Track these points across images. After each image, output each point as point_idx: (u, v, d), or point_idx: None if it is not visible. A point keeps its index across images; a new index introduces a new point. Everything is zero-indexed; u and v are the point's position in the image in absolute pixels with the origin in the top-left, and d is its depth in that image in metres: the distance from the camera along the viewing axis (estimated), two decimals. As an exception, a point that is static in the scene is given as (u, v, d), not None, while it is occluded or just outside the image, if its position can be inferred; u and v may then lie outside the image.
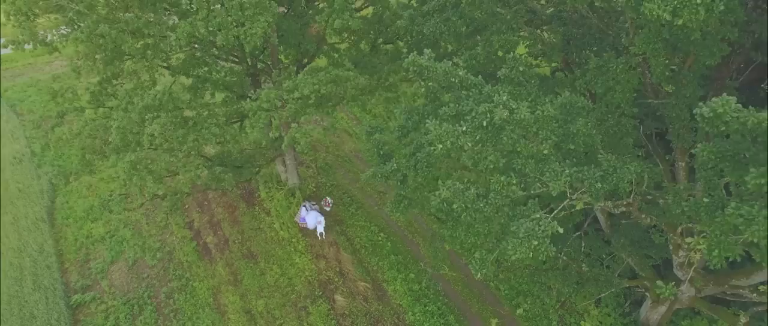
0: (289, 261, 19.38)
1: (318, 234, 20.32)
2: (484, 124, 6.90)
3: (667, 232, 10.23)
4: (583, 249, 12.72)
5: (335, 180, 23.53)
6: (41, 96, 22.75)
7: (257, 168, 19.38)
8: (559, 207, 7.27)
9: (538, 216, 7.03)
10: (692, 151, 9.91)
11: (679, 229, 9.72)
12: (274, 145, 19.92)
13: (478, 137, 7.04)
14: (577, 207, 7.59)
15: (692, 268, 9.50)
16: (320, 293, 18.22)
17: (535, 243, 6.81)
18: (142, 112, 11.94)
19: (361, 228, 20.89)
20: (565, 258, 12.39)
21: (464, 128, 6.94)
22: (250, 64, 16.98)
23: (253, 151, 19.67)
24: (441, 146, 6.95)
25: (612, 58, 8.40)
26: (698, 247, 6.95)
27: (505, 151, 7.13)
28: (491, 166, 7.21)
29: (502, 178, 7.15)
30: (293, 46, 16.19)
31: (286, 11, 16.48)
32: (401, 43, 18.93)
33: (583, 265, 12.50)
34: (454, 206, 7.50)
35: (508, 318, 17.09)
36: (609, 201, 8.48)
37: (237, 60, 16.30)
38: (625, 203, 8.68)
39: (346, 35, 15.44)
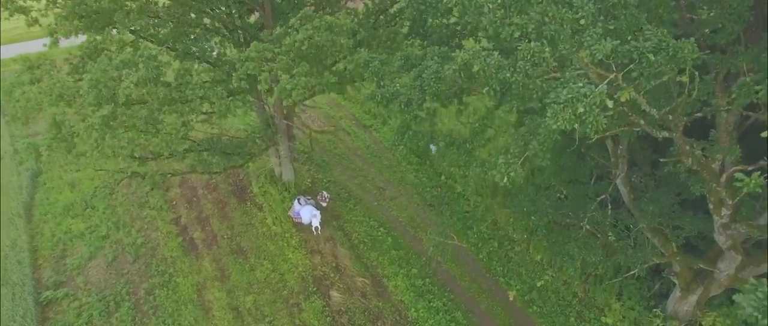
0: (282, 257, 17.92)
1: (313, 229, 18.92)
2: (507, -16, 5.76)
3: (709, 181, 8.94)
4: (607, 219, 11.38)
5: (332, 177, 22.26)
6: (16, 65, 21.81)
7: (248, 157, 18.16)
8: (604, 82, 5.93)
9: (580, 84, 5.74)
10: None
11: (724, 177, 8.47)
12: (267, 131, 18.80)
13: (499, 1, 5.87)
14: (622, 99, 6.29)
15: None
16: (315, 289, 16.70)
17: (581, 109, 5.50)
18: (118, 67, 10.82)
19: (359, 224, 19.51)
20: (588, 227, 11.05)
21: (484, -8, 5.81)
22: (243, 40, 16.02)
23: (244, 137, 18.52)
24: (455, -1, 5.77)
25: None
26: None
27: (534, 21, 5.95)
28: (517, 34, 5.99)
29: (532, 45, 5.90)
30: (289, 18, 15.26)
31: None
32: (401, 27, 18.08)
33: (609, 235, 11.14)
34: (475, 69, 6.21)
35: (521, 314, 15.55)
36: (654, 110, 7.17)
37: (228, 32, 15.33)
38: (671, 111, 7.33)
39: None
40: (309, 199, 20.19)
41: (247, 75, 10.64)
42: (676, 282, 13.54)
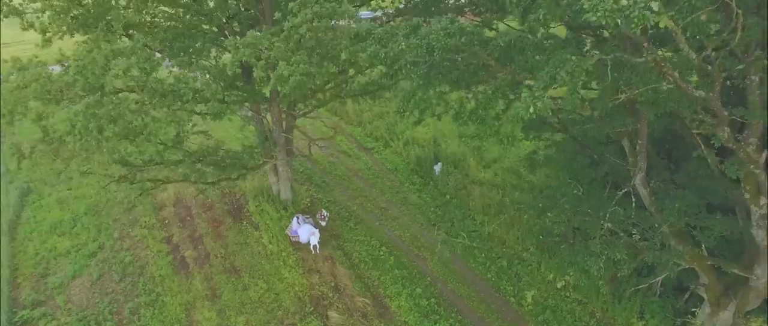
0: (277, 276, 16.82)
1: (311, 248, 17.91)
2: None
3: (745, 163, 8.10)
4: (630, 219, 10.45)
5: (332, 197, 21.42)
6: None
7: (244, 170, 17.42)
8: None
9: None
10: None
11: (764, 156, 7.66)
12: (265, 145, 18.15)
13: None
14: (661, 24, 5.58)
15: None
16: (311, 309, 15.52)
17: (624, 1, 4.70)
18: (108, 56, 10.29)
19: (360, 243, 18.50)
20: (609, 225, 10.12)
21: None
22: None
23: (240, 151, 17.84)
24: None
25: None
26: None
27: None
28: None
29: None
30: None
31: None
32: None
33: (634, 233, 10.17)
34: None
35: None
36: (692, 53, 6.40)
37: (226, 38, 14.95)
38: (710, 60, 6.54)
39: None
40: (307, 218, 19.30)
41: (242, 61, 10.05)
42: (704, 296, 12.44)
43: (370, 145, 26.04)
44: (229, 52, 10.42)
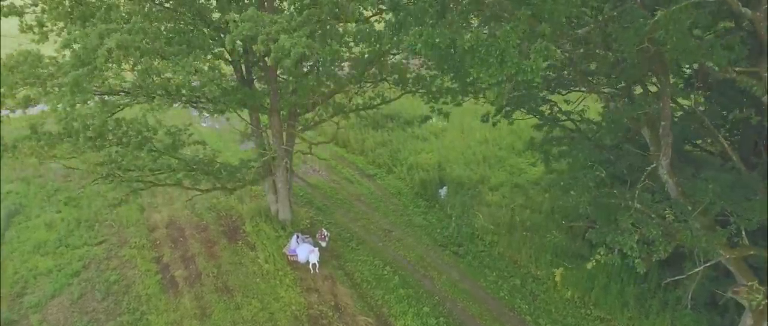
0: (273, 295, 15.58)
1: (310, 267, 16.74)
2: None
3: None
4: (662, 204, 9.49)
5: (334, 219, 20.42)
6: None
7: (241, 183, 16.62)
8: None
9: None
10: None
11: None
12: (262, 156, 17.45)
13: None
14: None
15: None
16: (309, 329, 14.21)
17: None
18: (102, 33, 9.84)
19: (362, 263, 17.34)
20: (638, 206, 9.18)
21: None
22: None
23: (239, 165, 17.10)
24: None
25: None
26: None
27: None
28: None
29: None
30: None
31: None
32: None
33: (667, 212, 9.18)
34: None
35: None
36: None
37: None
38: None
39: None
40: (306, 237, 18.24)
41: (243, 37, 9.57)
42: (744, 303, 11.25)
43: (372, 172, 25.31)
44: (229, 30, 9.99)
